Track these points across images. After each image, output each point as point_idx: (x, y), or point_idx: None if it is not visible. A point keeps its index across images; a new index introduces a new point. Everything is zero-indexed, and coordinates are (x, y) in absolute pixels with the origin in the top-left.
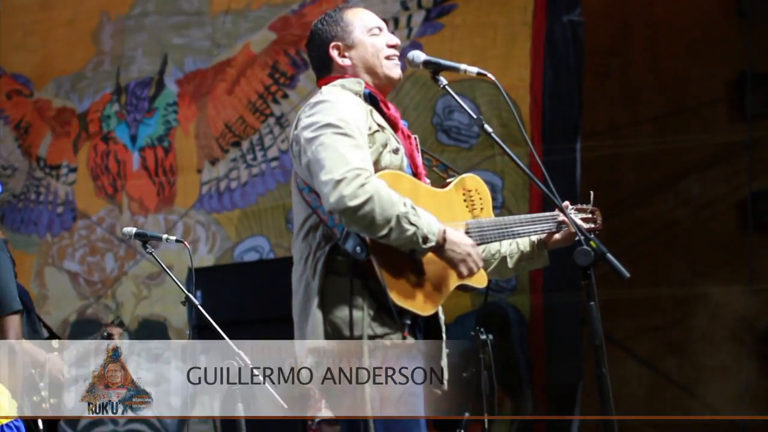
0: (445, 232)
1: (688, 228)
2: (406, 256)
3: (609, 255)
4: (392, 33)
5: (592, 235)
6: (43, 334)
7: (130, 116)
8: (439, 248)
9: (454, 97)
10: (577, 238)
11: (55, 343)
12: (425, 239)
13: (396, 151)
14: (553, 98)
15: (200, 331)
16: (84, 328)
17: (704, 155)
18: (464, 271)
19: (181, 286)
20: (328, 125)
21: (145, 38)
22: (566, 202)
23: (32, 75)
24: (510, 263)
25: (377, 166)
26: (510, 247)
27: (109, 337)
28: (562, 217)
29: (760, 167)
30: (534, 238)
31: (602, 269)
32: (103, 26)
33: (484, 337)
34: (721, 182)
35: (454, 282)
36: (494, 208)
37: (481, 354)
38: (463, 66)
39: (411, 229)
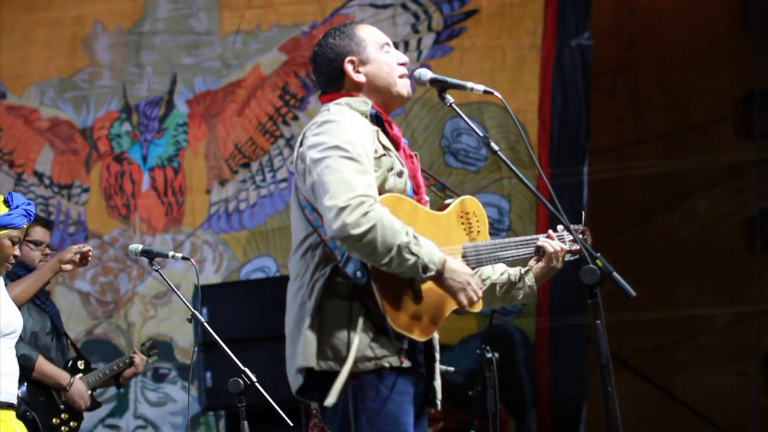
0: (445, 261)
1: (694, 246)
2: (406, 282)
3: (615, 273)
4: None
5: (598, 254)
6: (69, 355)
7: (142, 136)
8: (439, 277)
9: (460, 115)
10: (571, 258)
11: (80, 363)
12: (425, 268)
13: (400, 174)
14: (562, 122)
15: (206, 348)
16: (93, 347)
17: (710, 173)
18: (464, 299)
19: (186, 302)
20: (335, 147)
21: (155, 57)
22: (550, 231)
23: (2, 76)
24: (498, 292)
25: (382, 189)
26: (501, 277)
27: (130, 364)
28: (540, 242)
29: (767, 185)
30: (526, 277)
31: (608, 288)
32: (96, 36)
33: (489, 355)
34: (727, 200)
35: (450, 308)
36: (501, 230)
37: (487, 372)
38: (469, 84)
39: (412, 259)
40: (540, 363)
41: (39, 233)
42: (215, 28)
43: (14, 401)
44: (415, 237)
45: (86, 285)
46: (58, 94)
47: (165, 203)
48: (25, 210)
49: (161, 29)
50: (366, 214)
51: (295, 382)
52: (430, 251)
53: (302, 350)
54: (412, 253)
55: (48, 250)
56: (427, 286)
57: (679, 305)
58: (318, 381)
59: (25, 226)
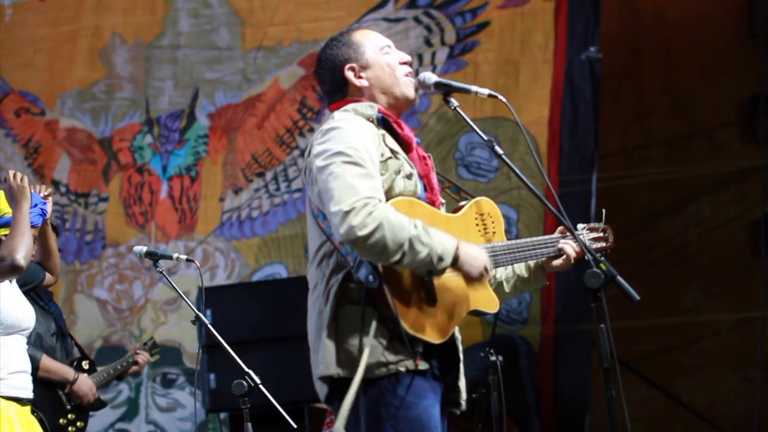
0: (459, 247)
1: (699, 251)
2: (419, 284)
3: (619, 277)
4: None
5: (602, 257)
6: (74, 356)
7: (162, 148)
8: (455, 263)
9: (465, 119)
10: (572, 260)
11: (85, 363)
12: (440, 258)
13: (410, 177)
14: (571, 133)
15: (210, 350)
16: (108, 354)
17: (716, 178)
18: (485, 275)
19: (191, 304)
20: (339, 153)
21: (176, 71)
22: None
23: (41, 93)
24: (507, 287)
25: (390, 193)
26: (506, 272)
27: (134, 363)
28: (561, 244)
29: None
30: (531, 262)
31: (613, 292)
32: (114, 48)
33: (493, 358)
34: (732, 205)
35: (465, 308)
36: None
37: (491, 376)
38: (474, 88)
39: (424, 251)
40: (543, 371)
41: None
42: (237, 44)
43: (23, 396)
44: (424, 228)
45: (104, 293)
46: (76, 104)
47: (179, 210)
48: (42, 209)
49: (183, 44)
50: (370, 214)
51: (321, 390)
52: (442, 241)
53: (323, 358)
54: (424, 244)
55: None
56: (441, 288)
57: (684, 309)
58: (338, 388)
59: (40, 225)
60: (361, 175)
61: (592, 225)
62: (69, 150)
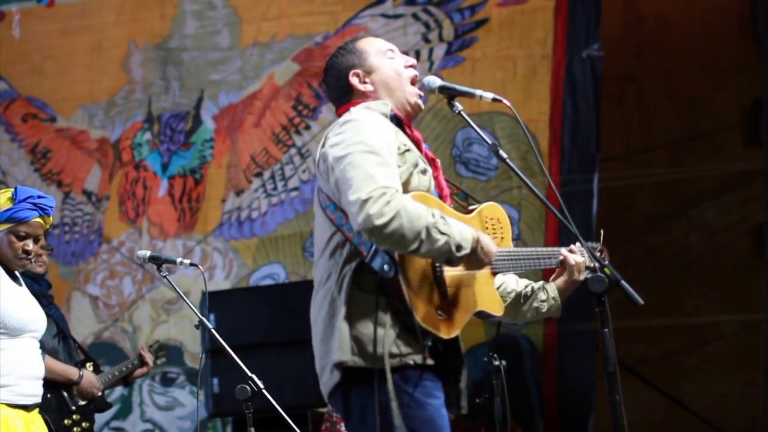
0: (479, 238)
1: (702, 254)
2: (431, 278)
3: (623, 282)
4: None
5: (606, 262)
6: (77, 358)
7: (163, 146)
8: (473, 253)
9: (469, 123)
10: (589, 275)
11: (89, 365)
12: (458, 247)
13: (424, 172)
14: (572, 132)
15: (213, 354)
16: (100, 350)
17: (718, 181)
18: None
19: (194, 308)
20: (357, 143)
21: (181, 72)
22: (572, 246)
23: (50, 100)
24: (524, 304)
25: (407, 186)
26: (526, 289)
27: (141, 363)
28: (563, 254)
29: None
30: (550, 289)
31: (617, 295)
32: (131, 54)
33: (497, 363)
34: (735, 208)
35: (473, 308)
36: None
37: (495, 380)
38: (478, 92)
39: (442, 239)
40: (547, 372)
41: None
42: (236, 43)
43: (30, 402)
44: (442, 218)
45: (96, 289)
46: (106, 115)
47: (178, 209)
48: (33, 204)
49: (190, 46)
50: (388, 203)
51: (330, 380)
52: (460, 230)
53: (339, 344)
54: (442, 233)
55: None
56: (452, 284)
57: (687, 313)
58: (350, 377)
59: (34, 220)
60: (379, 164)
61: (591, 245)
62: (101, 161)
